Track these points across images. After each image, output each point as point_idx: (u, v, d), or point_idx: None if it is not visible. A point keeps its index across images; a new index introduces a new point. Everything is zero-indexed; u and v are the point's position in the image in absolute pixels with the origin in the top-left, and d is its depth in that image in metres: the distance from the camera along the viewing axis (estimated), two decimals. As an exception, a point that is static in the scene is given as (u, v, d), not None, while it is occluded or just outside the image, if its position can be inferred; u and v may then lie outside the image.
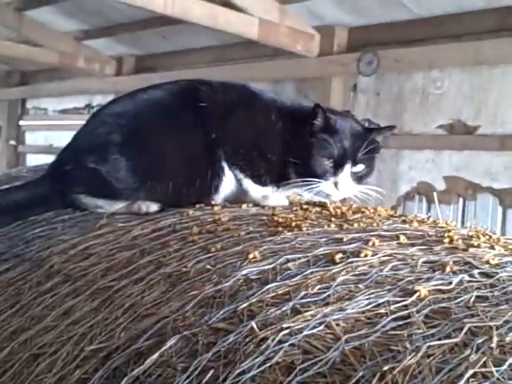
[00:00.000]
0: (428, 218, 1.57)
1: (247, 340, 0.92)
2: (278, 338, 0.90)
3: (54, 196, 1.67)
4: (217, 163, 1.63)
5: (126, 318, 1.10)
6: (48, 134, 7.75)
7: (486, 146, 3.99)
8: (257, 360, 0.87)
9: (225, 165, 1.64)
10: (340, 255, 1.13)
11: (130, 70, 6.57)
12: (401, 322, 0.92)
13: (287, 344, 0.89)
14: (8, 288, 1.39)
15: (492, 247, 1.25)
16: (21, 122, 8.42)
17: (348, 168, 1.59)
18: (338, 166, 1.59)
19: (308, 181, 1.59)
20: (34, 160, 7.17)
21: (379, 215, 1.54)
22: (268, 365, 0.87)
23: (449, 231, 1.35)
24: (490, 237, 1.37)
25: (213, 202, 1.64)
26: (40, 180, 1.72)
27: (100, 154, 1.58)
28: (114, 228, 1.49)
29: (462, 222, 3.97)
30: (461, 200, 4.17)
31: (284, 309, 0.97)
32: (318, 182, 1.59)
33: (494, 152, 3.97)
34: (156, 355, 0.96)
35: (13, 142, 8.33)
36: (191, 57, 5.97)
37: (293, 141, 1.61)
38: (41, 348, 1.14)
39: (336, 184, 1.59)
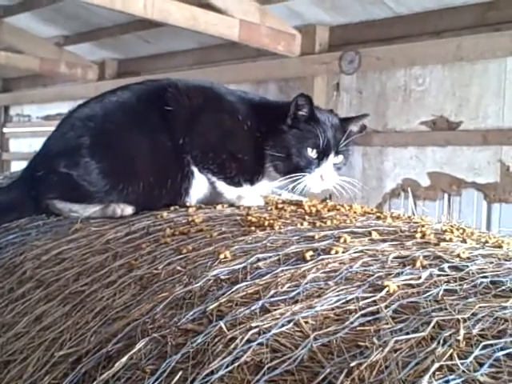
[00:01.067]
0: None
1: (216, 340, 0.91)
2: (246, 338, 0.90)
3: (27, 202, 1.65)
4: (185, 168, 1.62)
5: (97, 322, 1.09)
6: (32, 141, 7.70)
7: (469, 141, 4.01)
8: (225, 360, 0.87)
9: (195, 169, 1.63)
10: (311, 253, 1.13)
11: (113, 75, 6.56)
12: (369, 318, 0.92)
13: (255, 343, 0.88)
14: (-20, 296, 1.38)
15: (464, 241, 1.25)
16: (4, 130, 8.37)
17: (331, 158, 1.59)
18: (322, 157, 1.57)
19: (292, 177, 1.57)
20: (19, 167, 7.10)
21: (354, 212, 1.53)
22: (236, 364, 0.86)
23: (422, 226, 1.35)
24: (464, 231, 1.37)
25: (187, 204, 1.62)
26: (12, 186, 1.71)
27: (71, 157, 1.57)
28: (87, 232, 1.48)
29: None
30: (445, 196, 4.18)
31: (253, 308, 0.97)
32: (303, 175, 1.56)
33: (477, 147, 3.99)
34: (125, 358, 0.95)
35: (-3, 150, 8.29)
36: (174, 60, 5.97)
37: (268, 136, 1.60)
38: (11, 355, 1.13)
39: (321, 176, 1.58)
